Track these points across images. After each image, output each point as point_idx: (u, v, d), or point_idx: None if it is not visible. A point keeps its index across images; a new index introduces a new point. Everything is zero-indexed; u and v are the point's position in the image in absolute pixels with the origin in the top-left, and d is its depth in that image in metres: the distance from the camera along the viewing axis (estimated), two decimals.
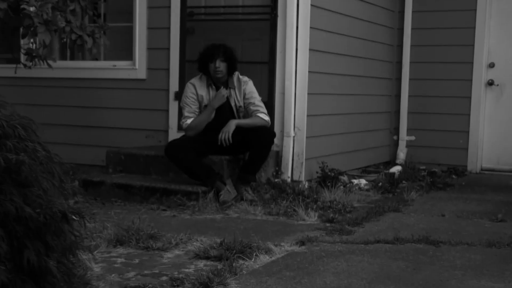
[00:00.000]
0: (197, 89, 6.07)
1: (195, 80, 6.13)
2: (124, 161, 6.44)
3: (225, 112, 6.06)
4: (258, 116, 5.98)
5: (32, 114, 7.73)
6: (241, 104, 6.07)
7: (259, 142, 5.85)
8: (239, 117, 6.08)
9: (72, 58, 8.04)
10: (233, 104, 6.08)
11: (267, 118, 6.01)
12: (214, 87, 6.07)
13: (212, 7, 6.99)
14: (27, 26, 5.52)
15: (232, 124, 5.86)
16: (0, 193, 2.72)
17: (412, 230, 4.95)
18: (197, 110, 6.06)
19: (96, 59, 8.01)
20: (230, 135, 5.81)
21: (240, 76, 6.12)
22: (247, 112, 6.08)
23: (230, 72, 6.06)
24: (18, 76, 7.61)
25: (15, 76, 7.61)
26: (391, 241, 4.59)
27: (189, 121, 6.00)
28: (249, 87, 6.08)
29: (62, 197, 3.74)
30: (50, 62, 6.10)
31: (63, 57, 8.07)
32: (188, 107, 6.04)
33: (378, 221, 5.33)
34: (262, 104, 6.07)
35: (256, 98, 6.06)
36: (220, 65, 5.96)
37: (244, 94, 6.06)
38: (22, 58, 6.53)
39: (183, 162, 5.83)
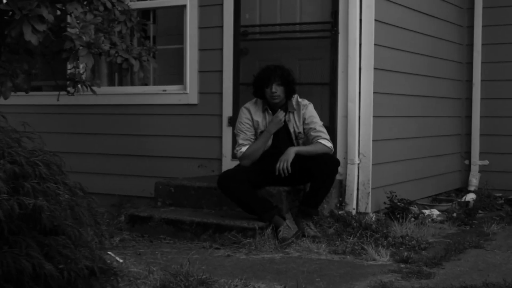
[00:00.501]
0: (252, 114, 5.56)
1: (250, 105, 5.63)
2: (174, 193, 5.95)
3: (283, 138, 5.54)
4: (320, 143, 5.43)
5: (77, 143, 7.38)
6: (301, 130, 5.53)
7: (322, 171, 5.29)
8: (298, 144, 5.54)
9: (121, 83, 7.65)
10: (291, 130, 5.55)
11: (329, 144, 5.46)
12: (270, 111, 5.56)
13: (267, 25, 6.49)
14: (68, 50, 5.10)
15: (291, 152, 5.33)
16: (14, 245, 2.23)
17: (501, 271, 4.31)
18: (253, 137, 5.55)
19: (146, 84, 7.61)
20: (289, 164, 5.27)
21: (300, 99, 5.60)
22: (307, 138, 5.53)
23: (288, 95, 5.55)
24: (63, 103, 7.24)
25: (59, 104, 7.24)
26: (479, 287, 3.96)
27: (244, 149, 5.49)
28: (309, 111, 5.55)
29: (99, 242, 3.28)
30: (95, 87, 5.70)
31: (111, 83, 7.68)
32: (242, 133, 5.54)
33: (459, 260, 4.71)
34: (323, 129, 5.52)
35: (317, 123, 5.51)
36: (277, 90, 5.46)
37: (304, 119, 5.52)
38: (67, 84, 6.09)
39: (237, 194, 5.31)
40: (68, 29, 5.24)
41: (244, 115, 5.58)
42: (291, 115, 5.55)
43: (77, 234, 2.69)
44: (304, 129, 5.52)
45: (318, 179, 5.31)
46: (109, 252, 4.85)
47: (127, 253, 4.98)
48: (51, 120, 7.55)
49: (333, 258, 4.81)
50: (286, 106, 5.56)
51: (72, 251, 2.59)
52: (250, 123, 5.55)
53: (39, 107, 7.59)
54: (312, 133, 5.46)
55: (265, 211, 5.24)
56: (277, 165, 5.29)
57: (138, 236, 5.52)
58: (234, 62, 6.54)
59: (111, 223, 5.77)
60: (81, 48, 5.03)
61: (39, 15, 4.96)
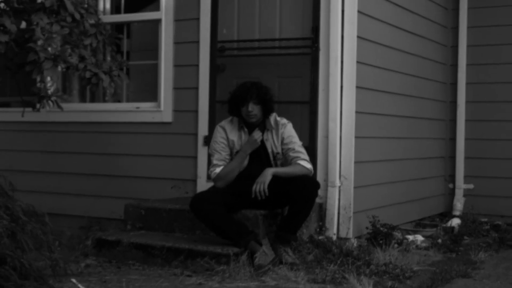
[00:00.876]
0: (228, 133, 5.27)
1: (225, 123, 5.34)
2: (145, 216, 5.62)
3: (260, 159, 5.24)
4: (299, 164, 5.13)
5: (47, 162, 7.03)
6: (279, 150, 5.24)
7: (301, 194, 4.99)
8: (276, 165, 5.25)
9: (93, 100, 7.33)
10: (269, 150, 5.26)
11: (309, 166, 5.17)
12: (246, 130, 5.27)
13: (245, 41, 6.21)
14: (32, 62, 4.80)
15: (268, 174, 5.03)
16: None
17: None
18: (228, 157, 5.25)
19: (118, 101, 7.31)
20: (266, 186, 4.98)
21: (278, 118, 5.31)
22: (285, 159, 5.24)
23: (266, 114, 5.27)
24: (33, 120, 7.00)
25: (29, 121, 6.99)
26: None
27: (218, 169, 5.18)
28: (288, 130, 5.26)
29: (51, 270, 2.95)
30: (63, 104, 5.40)
31: (82, 99, 7.36)
32: (217, 153, 5.24)
33: None
34: (303, 150, 5.23)
35: (296, 143, 5.22)
36: (254, 109, 5.17)
37: (283, 139, 5.23)
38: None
39: (211, 218, 4.99)
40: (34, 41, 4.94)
41: (219, 134, 5.29)
42: (269, 133, 5.27)
43: (25, 263, 2.37)
44: (282, 149, 5.24)
45: (296, 203, 5.01)
46: (73, 280, 4.53)
47: (91, 280, 4.64)
48: (20, 137, 7.23)
49: (312, 287, 4.50)
50: (263, 125, 5.28)
51: (16, 283, 2.26)
52: (226, 142, 5.25)
53: (7, 124, 7.29)
54: (291, 154, 5.18)
55: (241, 236, 4.93)
56: (254, 187, 5.00)
57: (106, 262, 5.19)
58: (210, 78, 6.26)
59: (77, 247, 5.43)
60: (46, 60, 4.73)
61: (1, 25, 4.69)
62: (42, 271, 2.97)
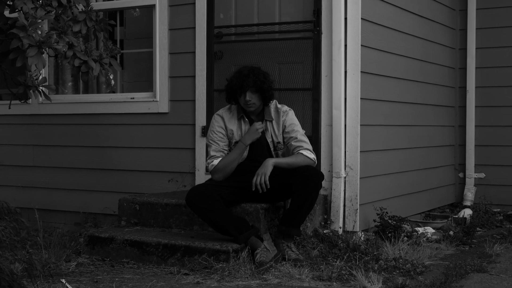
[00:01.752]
0: (226, 122, 4.97)
1: (223, 111, 5.04)
2: (140, 211, 5.34)
3: (260, 149, 4.94)
4: (301, 154, 4.83)
5: (41, 156, 6.72)
6: (280, 139, 4.95)
7: (304, 186, 4.69)
8: (277, 156, 4.95)
9: (86, 91, 7.05)
10: (269, 140, 4.96)
11: (312, 156, 4.86)
12: (246, 119, 4.97)
13: (243, 26, 5.90)
14: (16, 49, 4.50)
15: (269, 165, 4.73)
16: None
17: None
18: (226, 148, 4.95)
19: (113, 92, 7.02)
20: (267, 178, 4.68)
21: (279, 106, 5.02)
22: (287, 149, 4.94)
23: (265, 102, 4.96)
24: (24, 113, 6.76)
25: (20, 114, 6.74)
26: None
27: (216, 161, 4.89)
28: (290, 118, 4.96)
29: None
30: (52, 94, 5.10)
31: (76, 91, 7.08)
32: (215, 144, 4.94)
33: (462, 287, 4.12)
34: (305, 139, 4.93)
35: (298, 132, 4.92)
36: (252, 98, 4.87)
37: (284, 127, 4.93)
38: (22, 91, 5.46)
39: (209, 213, 4.70)
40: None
41: (216, 123, 4.99)
42: (268, 123, 4.97)
43: None
44: (284, 138, 4.94)
45: (300, 195, 4.70)
46: (62, 280, 4.26)
47: (82, 280, 4.37)
48: (10, 131, 6.95)
49: (317, 285, 4.21)
50: (263, 114, 4.98)
51: None
52: (224, 132, 4.96)
53: None
54: (293, 143, 4.88)
55: (240, 232, 4.63)
56: (254, 179, 4.70)
57: (98, 260, 4.91)
58: (207, 66, 5.96)
59: (68, 245, 5.14)
60: (30, 47, 4.43)
61: None
62: (16, 274, 2.68)
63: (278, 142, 4.95)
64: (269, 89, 4.92)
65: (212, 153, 4.93)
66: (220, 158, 4.89)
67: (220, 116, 5.01)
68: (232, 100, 5.00)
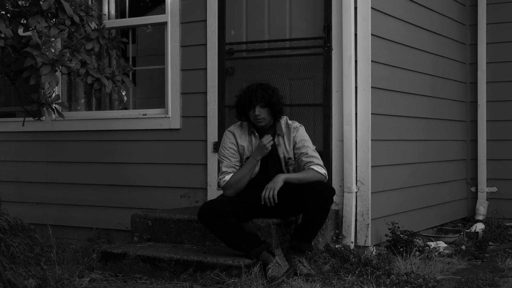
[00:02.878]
0: (237, 138, 5.01)
1: (234, 128, 5.08)
2: (152, 227, 5.37)
3: (271, 164, 4.98)
4: (312, 169, 4.86)
5: (54, 172, 6.80)
6: (291, 155, 4.97)
7: (315, 201, 4.70)
8: (288, 171, 4.98)
9: (99, 108, 7.11)
10: (281, 156, 4.99)
11: (323, 171, 4.89)
12: (257, 134, 5.01)
13: (254, 42, 5.95)
14: (29, 68, 4.56)
15: (279, 180, 4.76)
16: None
17: None
18: (237, 164, 4.99)
19: (125, 108, 7.08)
20: (276, 192, 4.70)
21: (290, 122, 5.05)
22: (298, 164, 4.97)
23: (275, 117, 5.00)
24: (38, 130, 6.82)
25: (34, 131, 6.80)
26: None
27: (227, 177, 4.92)
28: (300, 134, 4.99)
29: None
30: (64, 111, 5.15)
31: (88, 107, 7.14)
32: (226, 160, 4.98)
33: None
34: (316, 155, 4.96)
35: (309, 148, 4.95)
36: (261, 112, 4.90)
37: (295, 143, 4.96)
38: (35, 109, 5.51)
39: (220, 229, 4.72)
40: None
41: (228, 139, 5.03)
42: (280, 138, 5.00)
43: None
44: (294, 154, 4.97)
45: (311, 210, 4.72)
46: None
47: None
48: (25, 148, 7.01)
49: None
50: (274, 129, 5.02)
51: None
52: (235, 148, 4.99)
53: (12, 134, 7.07)
54: (304, 159, 4.90)
55: (252, 247, 4.65)
56: (263, 193, 4.73)
57: (111, 276, 4.94)
58: (219, 82, 6.01)
59: (81, 260, 5.18)
60: (43, 65, 4.49)
61: None
62: None
63: (289, 158, 4.98)
64: (278, 103, 4.95)
65: (223, 168, 4.96)
66: (232, 174, 4.92)
67: (232, 132, 5.05)
68: (242, 117, 5.04)
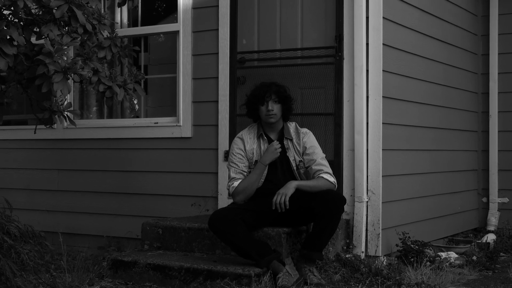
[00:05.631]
0: (246, 143, 5.01)
1: (243, 133, 5.08)
2: (163, 235, 5.37)
3: (282, 169, 4.97)
4: (322, 178, 4.85)
5: (65, 180, 6.82)
6: (302, 158, 4.97)
7: (326, 210, 4.68)
8: (299, 175, 4.97)
9: (110, 116, 7.13)
10: (292, 159, 4.98)
11: (332, 179, 4.88)
12: (266, 138, 5.01)
13: (266, 51, 5.96)
14: (42, 76, 4.58)
15: (291, 187, 4.75)
16: None
17: None
18: (246, 170, 4.98)
19: (137, 117, 7.10)
20: (287, 198, 4.68)
21: (299, 127, 5.07)
22: (307, 171, 4.96)
23: (285, 116, 5.03)
24: (49, 138, 6.84)
25: (45, 139, 6.83)
26: None
27: (236, 183, 4.92)
28: (310, 140, 5.00)
29: None
30: (76, 119, 5.17)
31: (100, 116, 7.16)
32: (234, 166, 4.97)
33: None
34: (326, 163, 4.95)
35: (318, 155, 4.95)
36: (274, 107, 4.92)
37: (304, 148, 4.97)
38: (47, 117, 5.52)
39: (231, 237, 4.71)
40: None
41: (236, 145, 5.03)
42: (289, 142, 5.00)
43: None
44: (304, 159, 4.96)
45: (322, 219, 4.71)
46: None
47: None
48: (37, 155, 7.04)
49: None
50: (282, 132, 5.03)
51: None
52: (243, 153, 4.98)
53: (24, 142, 7.12)
54: (314, 167, 4.90)
55: (262, 256, 4.64)
56: (274, 198, 4.71)
57: (121, 284, 4.95)
58: (230, 91, 6.02)
59: (92, 268, 5.18)
60: (56, 73, 4.51)
61: (8, 38, 4.49)
62: None
63: (300, 161, 4.97)
64: (290, 101, 5.00)
65: (232, 175, 4.96)
66: (241, 180, 4.92)
67: (240, 138, 5.04)
68: (252, 114, 5.02)
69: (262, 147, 4.97)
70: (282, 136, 5.01)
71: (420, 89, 6.23)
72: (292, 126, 5.05)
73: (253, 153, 4.98)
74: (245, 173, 4.95)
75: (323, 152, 5.01)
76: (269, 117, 4.93)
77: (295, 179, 4.92)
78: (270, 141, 4.99)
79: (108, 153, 6.64)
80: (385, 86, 5.53)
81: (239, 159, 4.96)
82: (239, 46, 6.04)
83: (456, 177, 6.96)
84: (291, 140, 5.00)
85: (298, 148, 4.98)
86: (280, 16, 5.93)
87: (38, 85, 4.65)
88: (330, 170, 4.91)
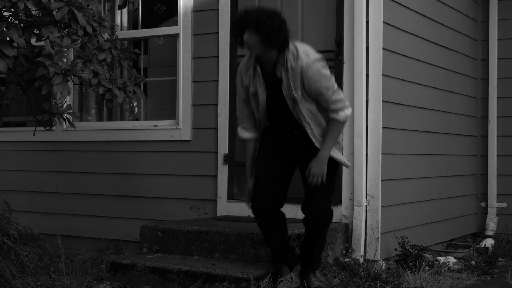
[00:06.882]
0: (243, 75, 4.52)
1: (242, 63, 4.56)
2: (161, 238, 5.37)
3: (278, 104, 4.40)
4: (335, 122, 4.34)
5: (64, 182, 6.83)
6: (298, 95, 4.30)
7: (308, 234, 4.59)
8: (296, 113, 4.36)
9: (110, 119, 7.12)
10: (285, 93, 4.33)
11: (343, 114, 4.34)
12: (259, 69, 4.40)
13: None
14: (41, 77, 4.58)
15: (324, 163, 4.36)
16: None
17: None
18: (246, 111, 4.61)
19: (136, 119, 7.09)
20: (325, 177, 4.38)
21: (301, 54, 4.29)
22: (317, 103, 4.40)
23: (271, 45, 4.23)
24: (48, 140, 6.83)
25: (44, 141, 6.82)
26: None
27: (242, 132, 4.68)
28: (313, 73, 4.25)
29: None
30: (76, 121, 5.17)
31: (99, 118, 7.15)
32: (238, 110, 4.70)
33: None
34: (336, 96, 4.32)
35: (328, 89, 4.28)
36: (251, 38, 4.22)
37: (309, 84, 4.27)
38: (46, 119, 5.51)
39: (267, 232, 4.64)
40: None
41: (237, 79, 4.62)
42: (283, 73, 4.31)
43: None
44: (309, 95, 4.33)
45: (306, 242, 4.65)
46: None
47: None
48: (36, 157, 7.03)
49: None
50: (276, 62, 4.35)
51: None
52: (242, 89, 4.57)
53: (23, 144, 7.09)
54: (324, 105, 4.35)
55: (283, 260, 4.66)
56: (310, 179, 4.39)
57: (120, 287, 4.94)
58: (230, 95, 6.01)
59: (90, 271, 5.17)
60: (55, 75, 4.50)
61: (8, 39, 4.49)
62: None
63: (295, 98, 4.32)
64: (274, 33, 4.18)
65: (238, 119, 4.74)
66: (244, 129, 4.65)
67: (240, 70, 4.60)
68: (239, 40, 4.43)
69: (251, 76, 4.46)
70: (274, 66, 4.37)
71: (420, 94, 6.23)
72: (289, 54, 4.30)
73: (248, 85, 4.51)
74: (247, 117, 4.61)
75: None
76: (249, 49, 4.32)
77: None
78: (263, 72, 4.41)
79: (107, 156, 6.63)
80: (385, 90, 5.53)
81: (239, 99, 4.63)
82: (239, 49, 6.02)
83: (455, 181, 6.96)
84: (286, 70, 4.31)
85: (295, 80, 4.29)
86: None
87: (37, 87, 4.65)
88: (341, 105, 4.34)
